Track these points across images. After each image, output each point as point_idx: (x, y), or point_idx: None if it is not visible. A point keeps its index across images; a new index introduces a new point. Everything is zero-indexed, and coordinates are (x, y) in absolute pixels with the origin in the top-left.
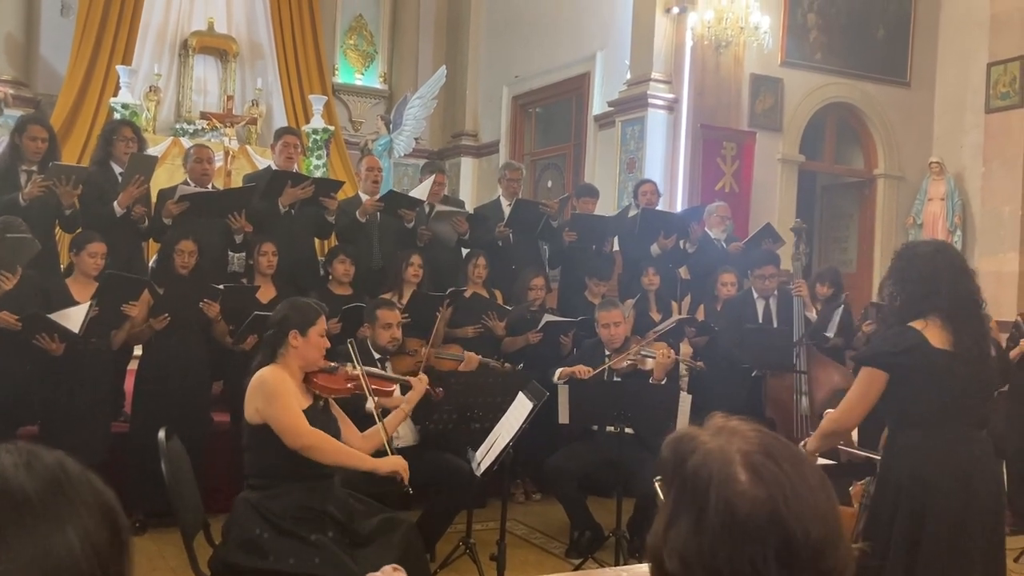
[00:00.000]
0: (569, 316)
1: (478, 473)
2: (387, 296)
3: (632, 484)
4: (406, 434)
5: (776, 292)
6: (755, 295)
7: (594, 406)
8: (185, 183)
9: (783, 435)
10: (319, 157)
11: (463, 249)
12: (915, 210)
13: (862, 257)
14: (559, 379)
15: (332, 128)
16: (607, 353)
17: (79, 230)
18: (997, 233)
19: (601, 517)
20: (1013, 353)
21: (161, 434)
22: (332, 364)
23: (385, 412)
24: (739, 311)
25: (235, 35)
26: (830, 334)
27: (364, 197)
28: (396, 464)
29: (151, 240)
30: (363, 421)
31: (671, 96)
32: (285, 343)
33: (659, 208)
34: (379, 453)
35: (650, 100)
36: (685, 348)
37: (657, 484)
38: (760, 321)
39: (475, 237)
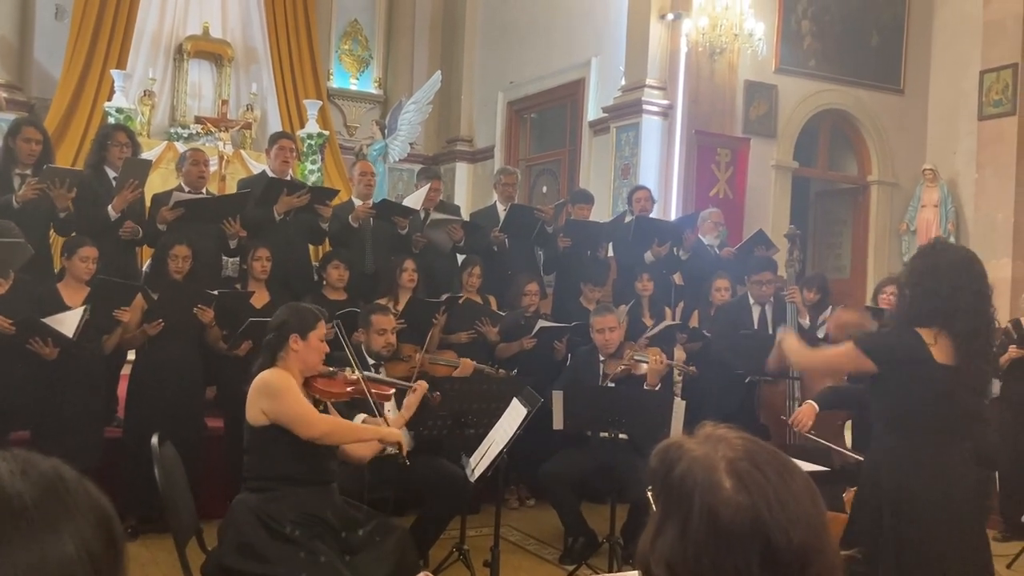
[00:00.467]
0: (564, 322)
1: (472, 479)
2: (383, 302)
3: (626, 490)
4: (402, 440)
5: (772, 299)
6: (751, 301)
7: (588, 412)
8: (180, 187)
9: (776, 441)
10: (314, 162)
11: (458, 255)
12: (909, 216)
13: (856, 263)
14: None
15: (327, 133)
16: (602, 359)
17: (73, 234)
18: (990, 239)
19: (595, 523)
20: (1003, 359)
21: (154, 440)
22: (331, 368)
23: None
24: (734, 317)
25: (230, 39)
26: (819, 334)
27: (358, 203)
28: (397, 436)
29: (145, 246)
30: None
31: (666, 102)
32: (285, 347)
33: (654, 214)
34: (378, 462)
35: (645, 106)
36: (679, 353)
37: (649, 493)
38: (756, 327)
39: (471, 245)
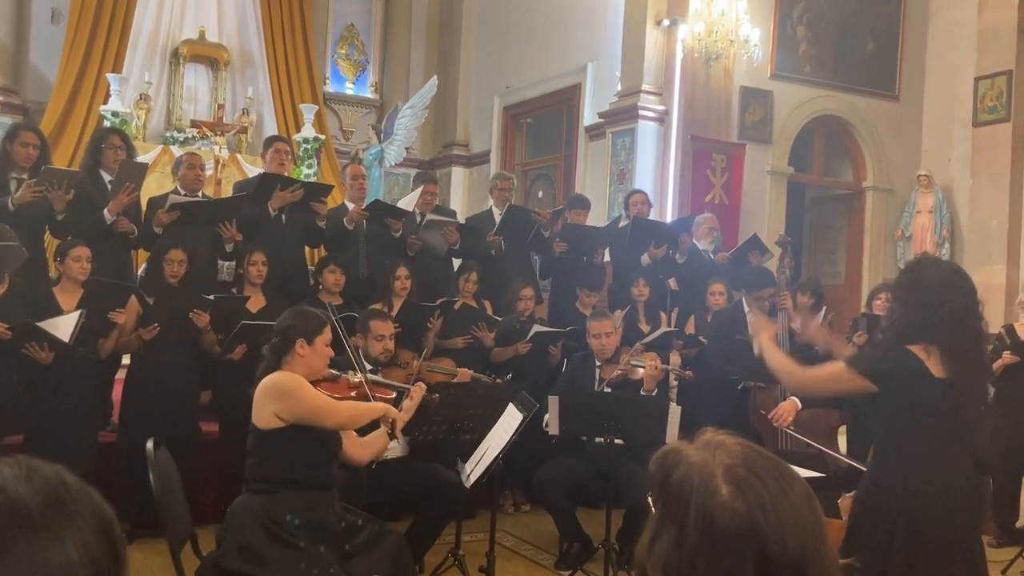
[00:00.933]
0: (560, 326)
1: (467, 484)
2: (377, 307)
3: (622, 495)
4: (396, 445)
5: (768, 307)
6: (746, 309)
7: (584, 417)
8: (175, 191)
9: (769, 447)
10: (310, 166)
11: (454, 259)
12: (903, 223)
13: (851, 269)
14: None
15: (323, 137)
16: (598, 364)
17: (69, 237)
18: (985, 246)
19: (591, 528)
20: (996, 365)
21: (149, 444)
22: (334, 372)
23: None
24: (729, 324)
25: (226, 44)
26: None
27: (351, 206)
28: (392, 411)
29: (140, 250)
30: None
31: (661, 108)
32: (291, 351)
33: (650, 219)
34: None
35: (640, 112)
36: (674, 358)
37: (650, 499)
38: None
39: (466, 247)
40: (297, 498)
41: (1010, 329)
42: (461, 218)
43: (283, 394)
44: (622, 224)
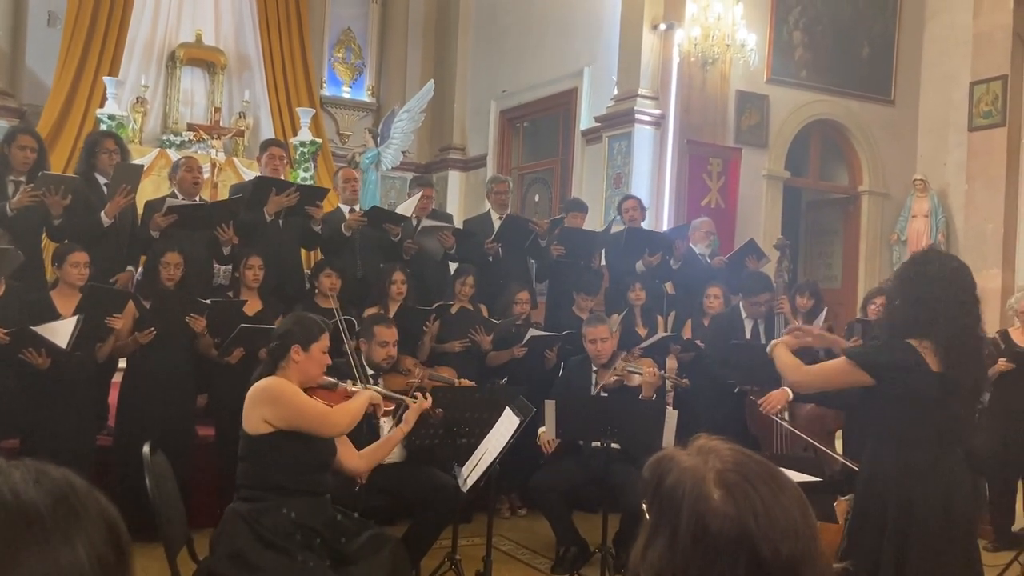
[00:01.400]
0: (557, 330)
1: (464, 489)
2: (373, 311)
3: (618, 499)
4: (394, 450)
5: (764, 314)
6: (743, 314)
7: (581, 421)
8: (172, 195)
9: (766, 449)
10: (306, 170)
11: (450, 263)
12: (899, 227)
13: (847, 273)
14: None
15: (319, 141)
16: (594, 368)
17: (66, 241)
18: (980, 250)
19: (587, 532)
20: (992, 371)
21: (145, 448)
22: (331, 380)
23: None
24: (726, 329)
25: (223, 47)
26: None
27: (345, 209)
28: (373, 395)
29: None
30: (355, 436)
31: (658, 112)
32: (287, 357)
33: (645, 224)
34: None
35: (637, 116)
36: (671, 363)
37: (644, 505)
38: (748, 339)
39: (462, 251)
40: (289, 504)
41: (1004, 335)
42: (458, 222)
43: (273, 400)
44: (615, 229)
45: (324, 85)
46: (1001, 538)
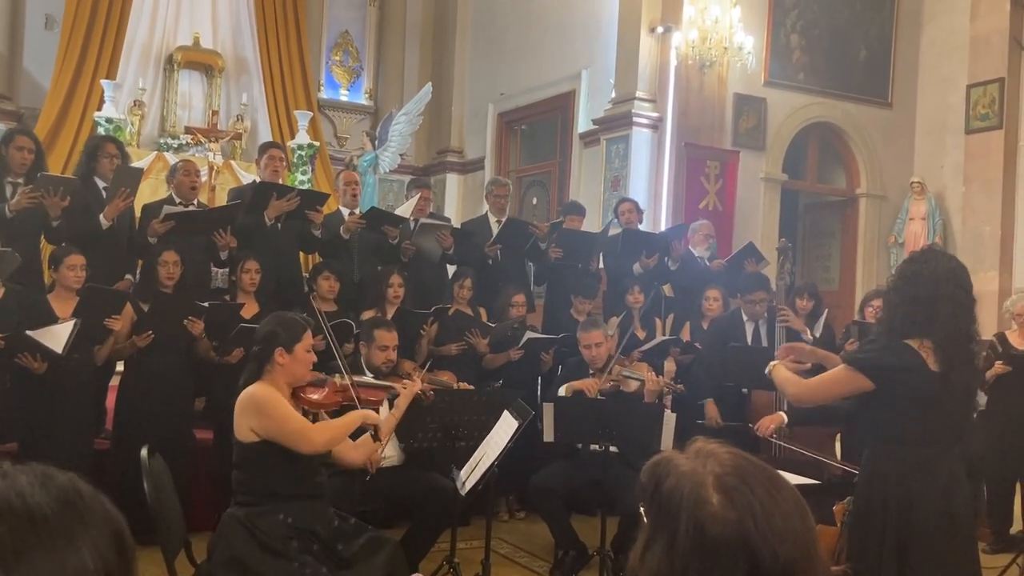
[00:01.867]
0: (555, 333)
1: (463, 492)
2: (370, 313)
3: (616, 503)
4: (392, 453)
5: (765, 315)
6: (744, 317)
7: (579, 424)
8: (170, 198)
9: (765, 451)
10: (304, 173)
11: (448, 265)
12: (897, 229)
13: (844, 275)
14: (566, 395)
15: (317, 144)
16: (591, 372)
17: (63, 244)
18: (977, 252)
19: (585, 536)
20: (989, 374)
21: (143, 452)
22: (320, 376)
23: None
24: (727, 332)
25: (221, 50)
26: (817, 334)
27: (345, 212)
28: (375, 417)
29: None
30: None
31: (655, 115)
32: (271, 360)
33: (643, 226)
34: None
35: (635, 119)
36: (669, 365)
37: (642, 508)
38: (749, 343)
39: (460, 252)
40: (285, 508)
41: (1002, 338)
42: (455, 225)
43: (259, 411)
44: (612, 231)
45: (322, 88)
46: (999, 540)
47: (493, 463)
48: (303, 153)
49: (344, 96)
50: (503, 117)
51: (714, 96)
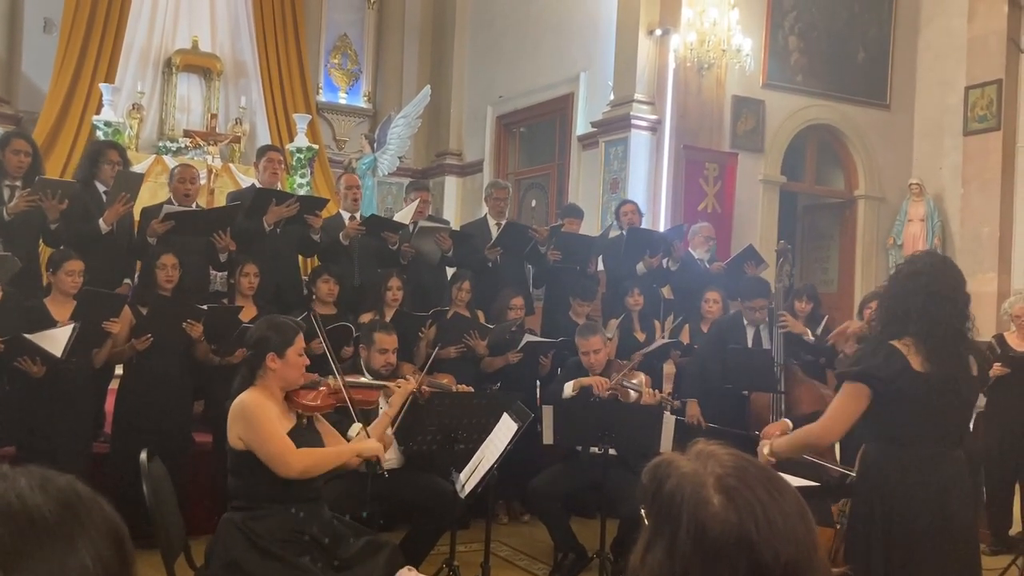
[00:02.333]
0: (553, 336)
1: (463, 495)
2: (368, 316)
3: (616, 505)
4: (392, 456)
5: (766, 320)
6: (744, 322)
7: (578, 427)
8: (169, 202)
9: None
10: (303, 176)
11: (447, 268)
12: (895, 231)
13: (843, 278)
14: (573, 391)
15: (316, 147)
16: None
17: (62, 247)
18: (976, 254)
19: (585, 538)
20: (989, 374)
21: (143, 455)
22: (314, 378)
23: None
24: (727, 335)
25: (219, 53)
26: (818, 332)
27: (345, 215)
28: (375, 448)
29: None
30: (347, 428)
31: (654, 117)
32: (263, 365)
33: (644, 227)
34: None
35: (633, 121)
36: (668, 368)
37: (643, 510)
38: (749, 347)
39: (459, 255)
40: (281, 512)
41: (1000, 339)
42: (454, 227)
43: (246, 423)
44: (612, 234)
45: (320, 91)
46: (999, 541)
47: (492, 466)
48: (302, 156)
49: (343, 99)
50: (502, 120)
51: (712, 98)
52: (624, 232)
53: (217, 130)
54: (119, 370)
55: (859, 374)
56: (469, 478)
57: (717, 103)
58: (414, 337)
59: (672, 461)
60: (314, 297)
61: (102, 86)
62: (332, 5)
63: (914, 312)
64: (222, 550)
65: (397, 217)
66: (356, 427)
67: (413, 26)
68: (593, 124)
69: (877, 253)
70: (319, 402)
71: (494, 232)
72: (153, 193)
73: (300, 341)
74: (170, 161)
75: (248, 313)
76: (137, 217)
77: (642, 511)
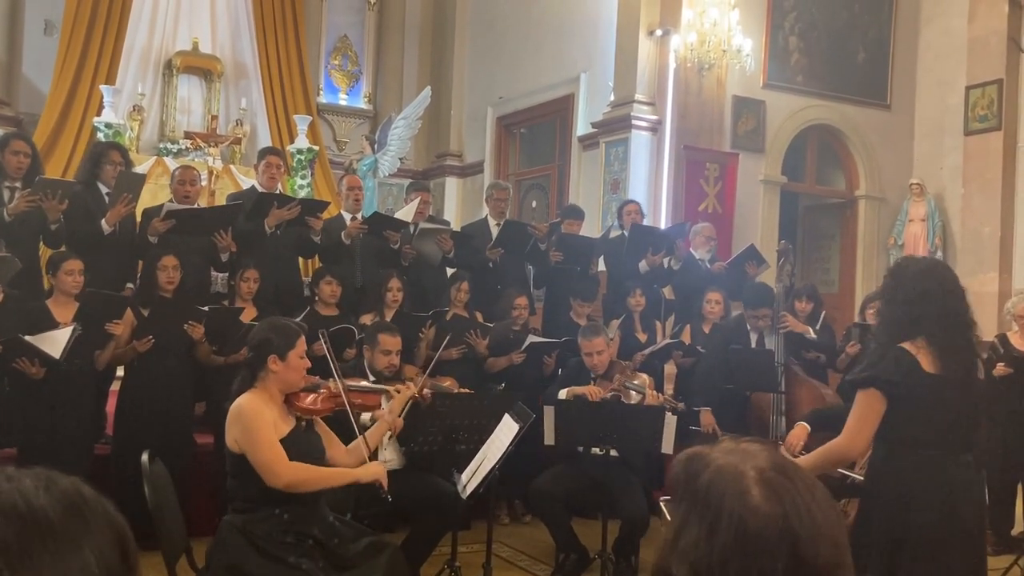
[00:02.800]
0: (554, 336)
1: (464, 496)
2: (369, 317)
3: (617, 506)
4: (393, 457)
5: (770, 324)
6: (748, 327)
7: (580, 428)
8: (170, 203)
9: None
10: (303, 177)
11: (448, 269)
12: (896, 231)
13: (844, 278)
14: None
15: (317, 148)
16: (593, 377)
17: (63, 248)
18: (977, 254)
19: (586, 539)
20: (992, 375)
21: (144, 457)
22: (314, 382)
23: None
24: (731, 340)
25: (219, 55)
26: (817, 326)
27: (347, 216)
28: (374, 471)
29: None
30: (349, 432)
31: (654, 118)
32: (264, 368)
33: (647, 225)
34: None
35: (634, 121)
36: (670, 369)
37: (663, 504)
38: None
39: (460, 256)
40: (280, 513)
41: (1003, 339)
42: (455, 228)
43: (242, 428)
44: (614, 234)
45: (321, 92)
46: (1001, 541)
47: (494, 466)
48: (302, 157)
49: (343, 100)
50: (502, 120)
51: (713, 99)
52: (625, 232)
53: (218, 131)
54: (120, 371)
55: (869, 380)
56: (471, 479)
57: (718, 103)
58: (415, 338)
59: (707, 454)
60: (316, 298)
61: (103, 88)
62: (332, 6)
63: (933, 311)
64: (222, 553)
65: (398, 215)
66: (366, 417)
67: (413, 27)
68: (594, 125)
69: (878, 253)
70: (318, 405)
71: (494, 233)
72: (154, 195)
73: (302, 344)
74: (171, 163)
75: (248, 315)
76: (139, 219)
77: (661, 503)
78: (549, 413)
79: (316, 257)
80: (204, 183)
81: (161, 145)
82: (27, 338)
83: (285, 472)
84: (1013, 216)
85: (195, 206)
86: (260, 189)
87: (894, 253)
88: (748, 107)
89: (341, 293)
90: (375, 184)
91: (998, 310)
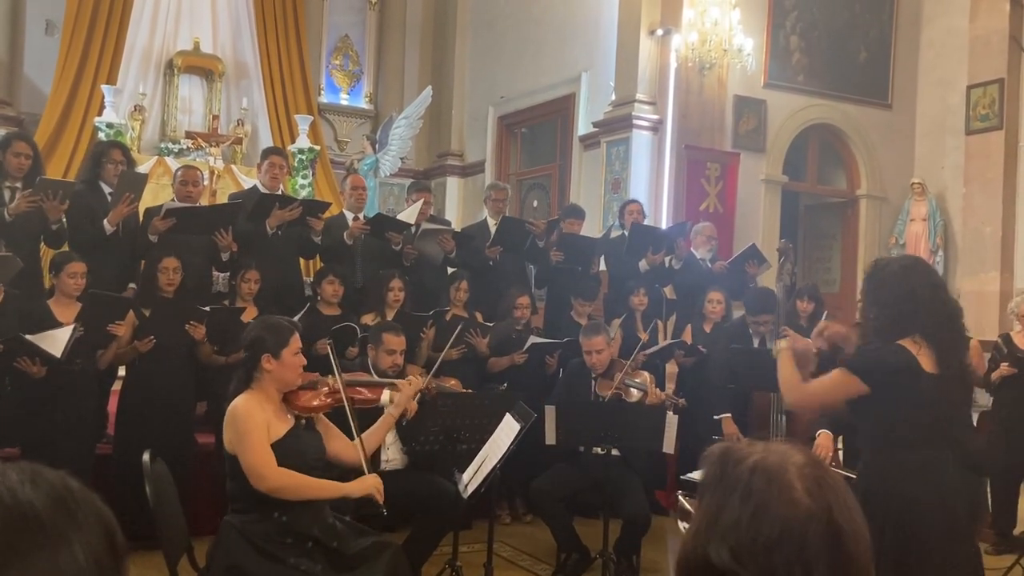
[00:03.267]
0: (555, 335)
1: (465, 495)
2: (370, 317)
3: (618, 505)
4: (395, 457)
5: (772, 329)
6: (750, 329)
7: (581, 427)
8: (172, 202)
9: None
10: (305, 177)
11: (449, 269)
12: (897, 230)
13: (845, 277)
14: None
15: (318, 148)
16: (594, 376)
17: (64, 247)
18: (978, 253)
19: (588, 539)
20: (995, 375)
21: (145, 457)
22: (312, 379)
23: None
24: (732, 341)
25: (221, 55)
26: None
27: (349, 216)
28: (368, 486)
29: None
30: (350, 430)
31: (655, 117)
32: (259, 368)
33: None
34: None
35: (635, 121)
36: (671, 368)
37: (682, 498)
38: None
39: (461, 256)
40: (279, 514)
41: (1007, 338)
42: (456, 228)
43: (235, 430)
44: (615, 234)
45: (322, 92)
46: (1003, 541)
47: (495, 466)
48: (304, 157)
49: (344, 100)
50: (503, 120)
51: (714, 98)
52: (626, 231)
53: (219, 131)
54: (122, 371)
55: (861, 369)
56: (472, 478)
57: (719, 103)
58: (416, 338)
59: (743, 448)
60: (319, 298)
61: (104, 88)
62: (333, 6)
63: (924, 306)
64: (223, 553)
65: (401, 217)
66: (386, 395)
67: (414, 27)
68: (595, 124)
69: (879, 253)
70: (317, 402)
71: (493, 233)
72: (155, 195)
73: (296, 341)
74: (172, 163)
75: (249, 314)
76: (141, 218)
77: (680, 498)
78: (550, 413)
79: (317, 257)
80: (206, 183)
81: (162, 145)
82: (28, 337)
83: (272, 477)
84: (1014, 215)
85: (195, 205)
86: (262, 189)
87: (895, 252)
88: (749, 106)
89: (343, 293)
90: (376, 184)
91: (999, 309)
